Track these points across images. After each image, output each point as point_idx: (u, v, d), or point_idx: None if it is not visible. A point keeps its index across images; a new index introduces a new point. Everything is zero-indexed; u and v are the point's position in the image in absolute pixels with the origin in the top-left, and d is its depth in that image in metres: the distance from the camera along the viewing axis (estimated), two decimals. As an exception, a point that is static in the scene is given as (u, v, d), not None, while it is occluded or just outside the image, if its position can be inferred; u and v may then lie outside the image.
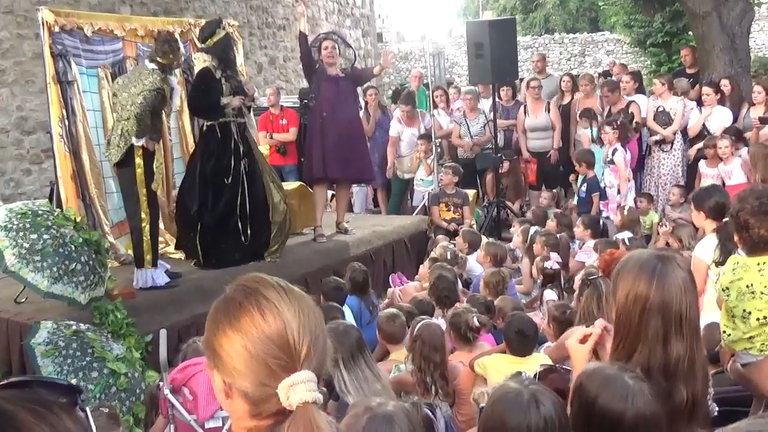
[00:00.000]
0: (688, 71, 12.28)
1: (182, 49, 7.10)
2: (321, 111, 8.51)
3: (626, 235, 7.69)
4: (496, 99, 11.32)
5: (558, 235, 7.85)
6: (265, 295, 1.57)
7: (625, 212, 8.37)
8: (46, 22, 6.90)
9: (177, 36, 7.83)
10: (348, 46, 9.03)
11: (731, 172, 9.10)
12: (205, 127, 7.71)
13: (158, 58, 6.73)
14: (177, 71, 8.21)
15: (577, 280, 6.33)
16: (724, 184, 8.89)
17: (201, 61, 7.72)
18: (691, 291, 2.62)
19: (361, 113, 11.72)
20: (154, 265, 6.89)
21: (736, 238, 4.16)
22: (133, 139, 6.52)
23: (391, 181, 11.63)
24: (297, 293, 1.62)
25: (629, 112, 10.40)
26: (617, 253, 5.82)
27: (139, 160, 6.61)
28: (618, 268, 2.75)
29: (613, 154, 9.38)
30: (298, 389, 1.48)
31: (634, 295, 2.60)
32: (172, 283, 6.94)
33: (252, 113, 8.54)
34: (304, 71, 9.16)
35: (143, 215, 6.74)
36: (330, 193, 9.43)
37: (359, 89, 9.89)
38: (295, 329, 1.53)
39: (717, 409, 3.03)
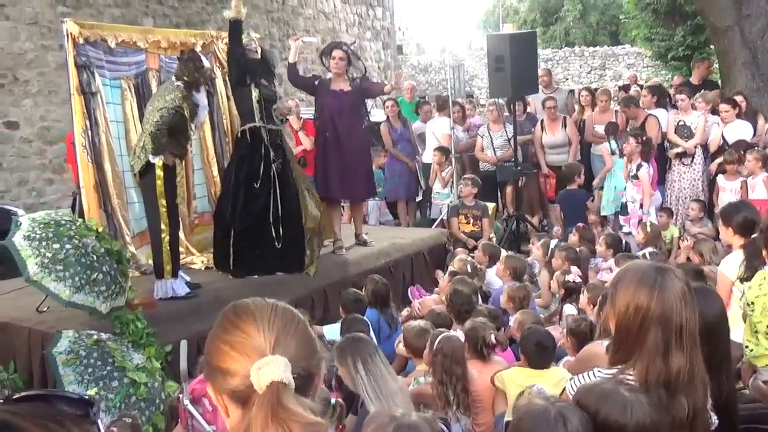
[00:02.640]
0: (694, 82, 12.26)
1: (207, 65, 7.11)
2: (324, 131, 8.47)
3: (648, 250, 7.65)
4: (508, 113, 11.33)
5: (578, 249, 7.82)
6: (247, 307, 1.74)
7: (648, 228, 8.32)
8: (71, 34, 6.96)
9: (198, 51, 7.91)
10: (358, 58, 8.84)
11: (755, 185, 9.04)
12: (239, 134, 7.82)
13: (185, 77, 6.77)
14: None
15: (584, 297, 6.31)
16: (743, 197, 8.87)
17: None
18: (690, 302, 2.62)
19: (383, 125, 11.78)
20: (174, 275, 6.92)
21: (764, 253, 4.14)
22: (150, 157, 6.58)
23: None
24: (279, 307, 1.75)
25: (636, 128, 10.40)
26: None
27: (159, 172, 6.66)
28: (616, 278, 2.76)
29: (637, 169, 9.33)
30: (266, 370, 1.59)
31: (635, 307, 2.60)
32: (191, 294, 6.97)
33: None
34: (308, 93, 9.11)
35: (163, 226, 6.78)
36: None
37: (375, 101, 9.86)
38: (265, 323, 1.67)
39: (717, 420, 3.01)
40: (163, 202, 6.74)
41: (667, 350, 2.56)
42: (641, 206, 9.31)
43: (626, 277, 2.71)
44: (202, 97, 7.11)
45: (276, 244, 7.56)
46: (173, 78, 6.92)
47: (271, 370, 1.59)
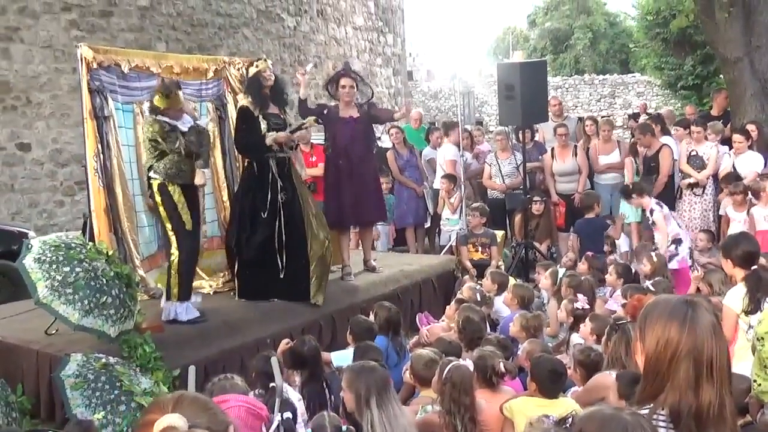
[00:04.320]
0: (714, 113, 12.29)
1: (179, 95, 7.09)
2: (337, 159, 8.48)
3: (656, 279, 7.63)
4: (516, 141, 11.35)
5: (582, 277, 7.82)
6: (153, 401, 2.28)
7: (654, 259, 8.26)
8: (85, 59, 7.01)
9: (210, 76, 8.28)
10: (366, 84, 8.90)
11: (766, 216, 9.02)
12: (246, 163, 7.92)
13: (153, 99, 6.84)
14: (210, 107, 8.35)
15: (585, 327, 6.28)
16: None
17: (241, 100, 7.98)
18: (719, 335, 2.59)
19: (390, 152, 11.83)
20: (181, 299, 6.93)
21: None
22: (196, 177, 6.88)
23: None
24: (182, 392, 2.25)
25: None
26: (645, 298, 5.80)
27: (158, 198, 6.79)
28: (645, 312, 2.69)
29: (651, 214, 9.27)
30: (162, 423, 1.95)
31: (665, 341, 2.55)
32: (195, 319, 6.95)
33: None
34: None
35: (172, 249, 6.84)
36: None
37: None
38: (167, 402, 2.10)
39: None
40: (169, 225, 6.81)
41: (698, 384, 2.53)
42: (672, 242, 9.11)
43: (655, 311, 2.65)
44: (182, 119, 7.00)
45: (280, 274, 7.60)
46: (145, 104, 7.03)
47: (165, 421, 1.95)
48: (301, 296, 7.64)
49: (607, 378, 4.71)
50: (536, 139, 12.32)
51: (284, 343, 6.02)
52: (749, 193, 9.34)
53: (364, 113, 8.55)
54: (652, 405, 2.56)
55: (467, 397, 4.64)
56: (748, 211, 9.18)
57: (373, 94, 8.97)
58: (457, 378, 4.67)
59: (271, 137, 7.55)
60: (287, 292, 7.64)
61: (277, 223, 7.57)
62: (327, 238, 7.88)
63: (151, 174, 6.85)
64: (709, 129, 10.72)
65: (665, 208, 9.30)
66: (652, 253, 8.50)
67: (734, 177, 9.63)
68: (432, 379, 5.06)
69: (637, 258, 8.92)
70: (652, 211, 9.26)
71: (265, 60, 7.89)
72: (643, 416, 2.44)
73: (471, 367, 4.89)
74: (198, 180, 7.00)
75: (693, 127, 10.72)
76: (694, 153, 10.44)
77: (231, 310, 7.39)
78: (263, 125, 7.61)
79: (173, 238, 6.84)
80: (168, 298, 6.94)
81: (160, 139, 6.74)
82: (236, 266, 7.77)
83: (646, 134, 10.88)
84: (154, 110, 6.86)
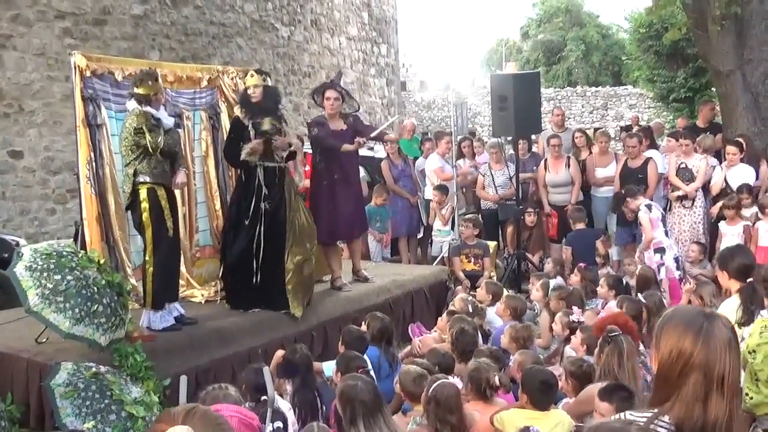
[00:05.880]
0: (700, 125, 12.32)
1: (160, 81, 7.06)
2: (332, 172, 8.36)
3: (647, 293, 7.64)
4: (513, 152, 11.39)
5: (571, 288, 7.82)
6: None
7: (637, 272, 8.26)
8: (78, 67, 7.01)
9: (204, 85, 8.34)
10: (351, 98, 8.77)
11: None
12: (238, 171, 7.94)
13: (136, 89, 6.73)
14: (203, 116, 8.34)
15: (576, 339, 6.27)
16: (746, 242, 8.87)
17: (236, 110, 7.96)
18: (735, 351, 2.59)
19: (384, 162, 11.83)
20: (155, 307, 6.87)
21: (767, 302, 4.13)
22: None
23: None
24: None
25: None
26: (616, 317, 5.81)
27: (145, 204, 6.70)
28: (662, 321, 2.70)
29: (637, 213, 9.27)
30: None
31: (678, 351, 2.56)
32: (171, 327, 6.92)
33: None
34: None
35: (146, 257, 6.81)
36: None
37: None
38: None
39: None
40: (149, 233, 6.72)
41: (707, 397, 2.52)
42: (655, 252, 9.13)
43: (673, 320, 2.67)
44: (162, 114, 6.95)
45: (253, 280, 7.54)
46: (127, 103, 6.94)
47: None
48: (276, 306, 7.53)
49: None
50: (534, 149, 12.34)
51: (280, 355, 6.00)
52: (742, 207, 9.38)
53: (350, 125, 8.46)
54: (655, 411, 2.56)
55: (452, 415, 4.56)
56: (754, 224, 9.20)
57: (359, 108, 8.92)
58: (441, 396, 4.59)
59: (245, 151, 7.48)
60: (263, 301, 7.56)
61: (256, 231, 7.55)
62: (311, 250, 7.81)
63: (139, 178, 6.67)
64: (697, 143, 10.74)
65: (655, 212, 9.29)
66: (636, 268, 8.50)
67: (747, 188, 9.66)
68: (421, 394, 5.04)
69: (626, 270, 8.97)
70: (638, 210, 9.27)
71: (253, 75, 7.79)
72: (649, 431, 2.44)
73: (459, 385, 4.85)
74: (180, 178, 6.96)
75: (682, 140, 10.72)
76: (683, 165, 10.45)
77: (222, 320, 7.36)
78: (252, 134, 7.56)
79: (150, 247, 6.78)
80: (143, 305, 6.95)
81: (145, 129, 6.61)
82: (220, 273, 7.81)
83: (640, 143, 10.92)
84: (141, 100, 6.74)
